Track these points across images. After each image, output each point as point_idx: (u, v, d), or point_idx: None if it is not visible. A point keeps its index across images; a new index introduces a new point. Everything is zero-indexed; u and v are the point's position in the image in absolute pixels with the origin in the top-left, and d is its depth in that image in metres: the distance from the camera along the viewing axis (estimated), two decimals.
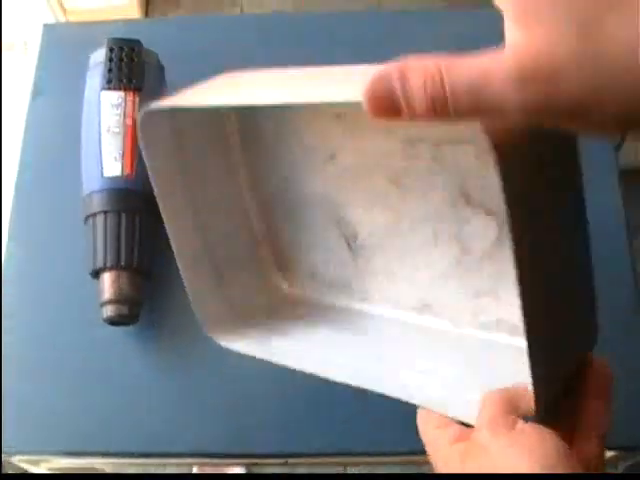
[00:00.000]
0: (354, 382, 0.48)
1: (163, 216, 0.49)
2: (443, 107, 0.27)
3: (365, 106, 0.28)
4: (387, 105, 0.27)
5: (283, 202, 0.56)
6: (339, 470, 1.24)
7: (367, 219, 0.54)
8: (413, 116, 0.27)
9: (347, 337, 0.54)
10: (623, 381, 0.59)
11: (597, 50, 0.25)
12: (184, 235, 0.50)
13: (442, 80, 0.26)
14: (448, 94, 0.26)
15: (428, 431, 0.41)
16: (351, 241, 0.55)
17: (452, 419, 0.40)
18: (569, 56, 0.25)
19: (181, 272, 0.49)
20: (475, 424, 0.38)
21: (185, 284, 0.50)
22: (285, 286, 0.58)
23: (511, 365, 0.49)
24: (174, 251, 0.49)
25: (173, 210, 0.49)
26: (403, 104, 0.27)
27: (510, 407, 0.37)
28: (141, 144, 0.45)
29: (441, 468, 0.38)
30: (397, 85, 0.27)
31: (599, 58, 0.25)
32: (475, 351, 0.52)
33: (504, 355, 0.51)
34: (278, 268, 0.59)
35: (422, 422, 0.41)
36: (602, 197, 0.63)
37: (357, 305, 0.57)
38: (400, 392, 0.46)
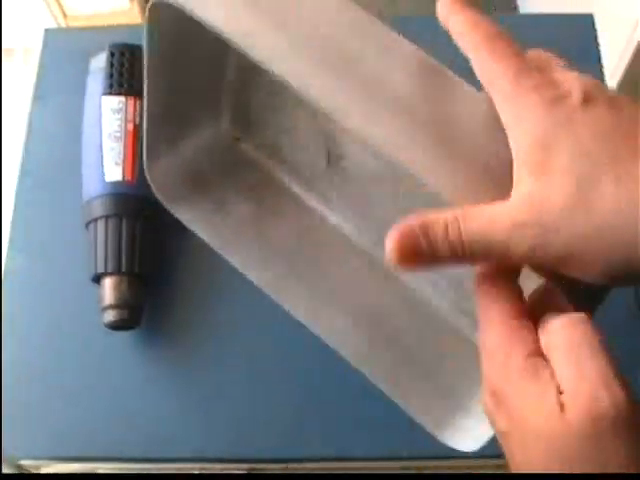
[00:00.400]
0: (278, 298, 0.46)
1: (145, 70, 0.44)
2: (462, 252, 0.31)
3: (390, 255, 0.31)
4: (412, 255, 0.31)
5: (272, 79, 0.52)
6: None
7: (362, 162, 0.50)
8: (436, 261, 0.31)
9: (290, 236, 0.52)
10: None
11: (589, 206, 0.28)
12: (159, 88, 0.47)
13: (459, 228, 0.31)
14: (464, 239, 0.31)
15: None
16: (332, 158, 0.52)
17: None
18: (562, 210, 0.28)
19: (145, 125, 0.47)
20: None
21: (144, 139, 0.48)
22: (241, 146, 0.55)
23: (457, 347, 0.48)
24: (144, 104, 0.46)
25: (156, 65, 0.45)
26: (427, 252, 0.31)
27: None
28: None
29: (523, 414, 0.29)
30: (422, 238, 0.31)
31: (589, 214, 0.28)
32: (421, 311, 0.50)
33: (453, 337, 0.49)
34: (237, 126, 0.55)
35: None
36: None
37: (314, 203, 0.54)
38: (327, 335, 0.45)
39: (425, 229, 0.31)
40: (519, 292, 0.33)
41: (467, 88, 0.34)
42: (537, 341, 0.30)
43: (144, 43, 0.43)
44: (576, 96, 0.30)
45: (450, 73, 0.35)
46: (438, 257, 0.31)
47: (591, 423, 0.28)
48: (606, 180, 0.28)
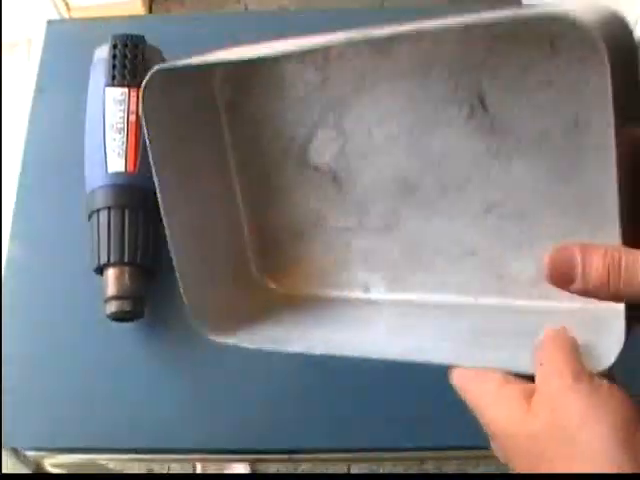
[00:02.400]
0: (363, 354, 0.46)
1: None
2: (615, 288, 0.32)
3: (546, 271, 0.34)
4: (564, 275, 0.33)
5: (276, 176, 0.52)
6: (342, 467, 1.24)
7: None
8: (585, 289, 0.33)
9: (351, 324, 0.51)
10: (622, 384, 0.59)
11: None
12: (182, 237, 0.50)
13: (620, 267, 0.32)
14: (622, 282, 0.32)
15: (470, 384, 0.37)
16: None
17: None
18: None
19: (180, 285, 0.50)
20: (539, 371, 0.35)
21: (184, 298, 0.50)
22: (275, 288, 0.55)
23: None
24: (173, 259, 0.49)
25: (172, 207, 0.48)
26: (579, 276, 0.33)
27: (578, 356, 0.34)
28: (142, 120, 0.45)
29: (494, 416, 0.35)
30: (578, 260, 0.33)
31: None
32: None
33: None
34: (264, 270, 0.56)
35: (460, 377, 0.38)
36: None
37: (359, 294, 0.53)
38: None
39: (585, 257, 0.33)
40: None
41: None
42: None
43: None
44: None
45: None
46: (588, 288, 0.33)
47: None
48: None
